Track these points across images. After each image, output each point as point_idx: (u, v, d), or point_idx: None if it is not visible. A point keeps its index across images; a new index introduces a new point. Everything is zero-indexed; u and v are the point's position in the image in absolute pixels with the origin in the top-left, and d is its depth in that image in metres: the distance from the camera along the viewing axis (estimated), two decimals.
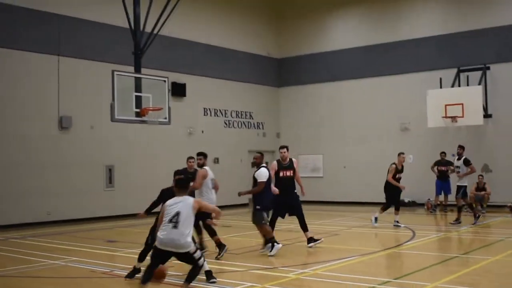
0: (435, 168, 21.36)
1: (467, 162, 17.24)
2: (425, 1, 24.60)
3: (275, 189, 12.60)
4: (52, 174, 19.22)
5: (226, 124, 25.77)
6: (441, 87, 22.56)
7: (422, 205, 22.60)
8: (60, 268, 11.20)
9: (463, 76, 22.75)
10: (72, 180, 19.58)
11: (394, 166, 16.83)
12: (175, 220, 7.91)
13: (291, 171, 13.14)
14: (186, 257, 8.08)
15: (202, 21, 24.71)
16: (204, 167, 12.46)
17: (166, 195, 9.41)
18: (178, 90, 23.17)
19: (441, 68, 23.28)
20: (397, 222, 16.74)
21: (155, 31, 16.84)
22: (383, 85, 25.26)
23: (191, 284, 8.26)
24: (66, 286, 9.80)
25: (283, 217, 13.07)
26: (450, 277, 9.58)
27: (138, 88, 15.73)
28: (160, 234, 7.93)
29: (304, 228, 13.22)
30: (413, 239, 14.32)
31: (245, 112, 26.75)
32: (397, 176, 16.82)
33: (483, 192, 20.65)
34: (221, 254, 11.67)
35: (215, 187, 12.48)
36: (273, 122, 28.33)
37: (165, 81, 16.33)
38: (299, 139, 27.48)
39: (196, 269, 8.22)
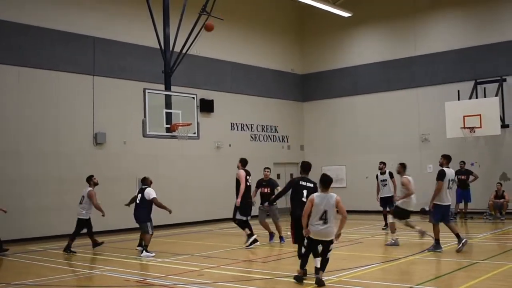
0: (455, 177, 21.87)
1: (391, 175, 18.43)
2: (442, 17, 25.12)
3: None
4: None
5: (252, 138, 26.49)
6: (459, 99, 23.02)
7: None
8: (96, 277, 11.67)
9: (480, 88, 23.24)
10: (107, 193, 19.85)
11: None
12: (324, 217, 9.76)
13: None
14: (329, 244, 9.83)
15: (228, 40, 25.46)
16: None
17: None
18: (206, 106, 23.84)
19: (459, 81, 23.80)
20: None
21: (184, 51, 17.06)
22: (403, 98, 25.83)
23: None
24: None
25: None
26: (471, 282, 9.74)
27: (168, 105, 15.98)
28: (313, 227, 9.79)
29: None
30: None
31: (270, 126, 27.45)
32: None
33: (502, 200, 21.12)
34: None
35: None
36: (297, 135, 29.01)
37: (194, 97, 16.58)
38: (322, 151, 28.12)
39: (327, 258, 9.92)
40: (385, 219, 18.45)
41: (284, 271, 11.60)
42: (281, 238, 15.84)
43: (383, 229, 18.81)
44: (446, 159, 13.90)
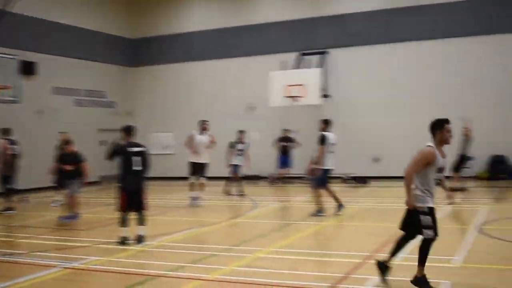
0: (278, 143, 22.84)
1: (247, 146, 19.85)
2: None
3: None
4: None
5: (77, 103, 25.62)
6: (284, 70, 23.83)
7: (265, 178, 23.87)
8: None
9: (306, 60, 24.30)
10: None
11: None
12: None
13: None
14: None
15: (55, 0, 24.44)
16: None
17: None
18: (29, 69, 22.19)
19: (285, 51, 24.69)
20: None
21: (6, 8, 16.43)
22: (233, 67, 26.34)
23: None
24: None
25: None
26: (285, 241, 10.76)
27: None
28: None
29: None
30: (255, 209, 15.30)
31: (97, 91, 26.64)
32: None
33: None
34: None
35: None
36: (126, 102, 28.41)
37: (14, 58, 16.14)
38: (151, 117, 27.88)
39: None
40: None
41: (102, 238, 11.54)
42: (71, 217, 13.90)
43: (241, 195, 18.92)
44: (326, 124, 13.71)
